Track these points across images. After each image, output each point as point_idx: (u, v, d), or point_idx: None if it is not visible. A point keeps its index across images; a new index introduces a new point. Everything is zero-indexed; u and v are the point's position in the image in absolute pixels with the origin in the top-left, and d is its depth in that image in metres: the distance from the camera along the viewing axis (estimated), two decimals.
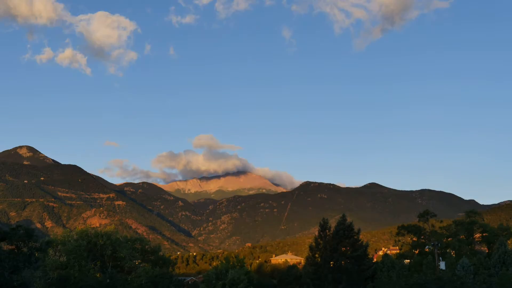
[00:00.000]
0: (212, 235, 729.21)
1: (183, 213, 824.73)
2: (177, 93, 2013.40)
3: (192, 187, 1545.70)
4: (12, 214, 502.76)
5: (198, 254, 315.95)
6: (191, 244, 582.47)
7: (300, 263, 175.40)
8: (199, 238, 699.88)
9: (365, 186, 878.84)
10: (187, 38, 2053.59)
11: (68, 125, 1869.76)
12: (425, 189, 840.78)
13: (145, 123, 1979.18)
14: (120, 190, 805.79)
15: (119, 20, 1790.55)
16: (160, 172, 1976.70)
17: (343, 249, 74.80)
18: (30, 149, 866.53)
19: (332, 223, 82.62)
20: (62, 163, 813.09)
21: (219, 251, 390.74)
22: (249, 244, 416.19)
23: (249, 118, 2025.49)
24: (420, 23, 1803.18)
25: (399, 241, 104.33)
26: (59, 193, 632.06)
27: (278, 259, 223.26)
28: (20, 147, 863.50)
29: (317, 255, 76.37)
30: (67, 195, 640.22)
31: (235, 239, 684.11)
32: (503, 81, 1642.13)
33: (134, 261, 77.30)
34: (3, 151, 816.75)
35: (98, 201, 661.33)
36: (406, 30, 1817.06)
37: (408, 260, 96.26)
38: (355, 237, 75.76)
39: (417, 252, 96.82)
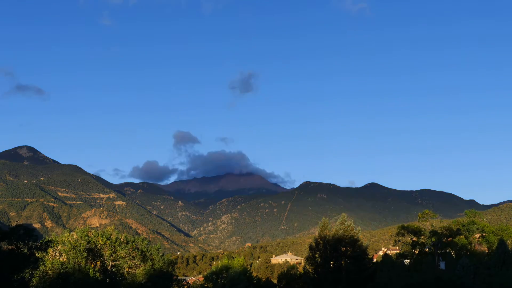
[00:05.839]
0: (212, 235, 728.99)
1: (183, 213, 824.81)
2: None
3: (192, 187, 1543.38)
4: (12, 214, 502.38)
5: (198, 254, 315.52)
6: (191, 244, 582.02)
7: (300, 263, 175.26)
8: (199, 238, 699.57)
9: (365, 186, 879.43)
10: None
11: (68, 125, 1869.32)
12: (425, 189, 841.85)
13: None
14: (120, 190, 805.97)
15: None
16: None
17: (343, 249, 74.74)
18: (30, 149, 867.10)
19: (332, 223, 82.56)
20: (62, 163, 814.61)
21: (219, 251, 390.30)
22: (249, 244, 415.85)
23: (249, 119, 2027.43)
24: None
25: (399, 241, 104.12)
26: (59, 193, 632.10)
27: (278, 259, 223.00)
28: (20, 147, 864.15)
29: (317, 255, 76.28)
30: (67, 195, 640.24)
31: (235, 239, 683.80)
32: (504, 81, 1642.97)
33: (134, 261, 77.22)
34: (3, 151, 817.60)
35: (98, 201, 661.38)
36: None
37: (408, 260, 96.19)
38: (355, 237, 75.70)
39: (417, 252, 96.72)
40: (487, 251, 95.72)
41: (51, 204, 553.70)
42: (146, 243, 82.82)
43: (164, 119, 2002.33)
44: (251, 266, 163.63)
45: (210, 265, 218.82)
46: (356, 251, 74.40)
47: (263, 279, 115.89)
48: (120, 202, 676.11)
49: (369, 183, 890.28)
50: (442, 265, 72.80)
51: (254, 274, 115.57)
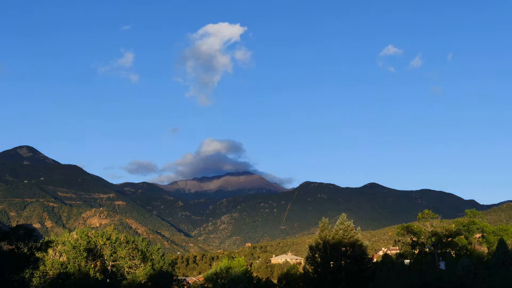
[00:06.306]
0: (212, 235, 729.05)
1: (183, 213, 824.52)
2: None
3: (192, 187, 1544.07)
4: (12, 214, 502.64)
5: (198, 254, 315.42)
6: (191, 244, 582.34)
7: (300, 263, 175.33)
8: (199, 238, 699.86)
9: (365, 186, 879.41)
10: None
11: (68, 125, 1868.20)
12: (425, 189, 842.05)
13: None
14: (120, 190, 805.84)
15: None
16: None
17: (343, 249, 74.77)
18: (30, 149, 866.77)
19: (332, 223, 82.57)
20: (62, 163, 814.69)
21: (219, 251, 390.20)
22: (249, 244, 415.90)
23: (249, 118, 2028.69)
24: None
25: (399, 241, 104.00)
26: (59, 193, 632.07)
27: (278, 259, 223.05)
28: (20, 147, 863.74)
29: (317, 255, 76.33)
30: (67, 195, 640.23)
31: (235, 239, 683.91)
32: (504, 81, 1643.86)
33: (134, 261, 77.24)
34: (3, 151, 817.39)
35: (98, 201, 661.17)
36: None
37: (408, 260, 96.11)
38: (355, 237, 75.72)
39: (417, 252, 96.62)
40: (487, 251, 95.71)
41: (51, 204, 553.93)
42: (146, 243, 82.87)
43: (159, 115, 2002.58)
44: (251, 266, 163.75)
45: (210, 265, 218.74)
46: (356, 251, 74.42)
47: (263, 279, 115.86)
48: (120, 202, 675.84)
49: (369, 183, 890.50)
50: (442, 265, 72.69)
51: (254, 274, 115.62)
